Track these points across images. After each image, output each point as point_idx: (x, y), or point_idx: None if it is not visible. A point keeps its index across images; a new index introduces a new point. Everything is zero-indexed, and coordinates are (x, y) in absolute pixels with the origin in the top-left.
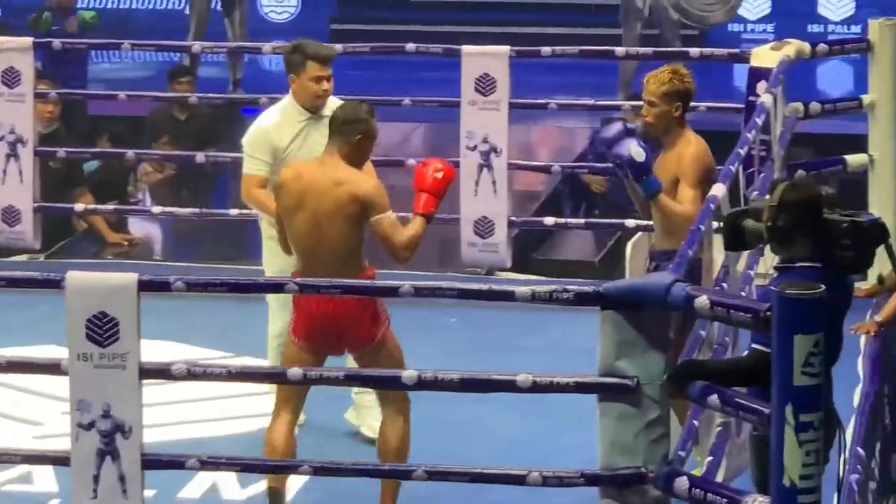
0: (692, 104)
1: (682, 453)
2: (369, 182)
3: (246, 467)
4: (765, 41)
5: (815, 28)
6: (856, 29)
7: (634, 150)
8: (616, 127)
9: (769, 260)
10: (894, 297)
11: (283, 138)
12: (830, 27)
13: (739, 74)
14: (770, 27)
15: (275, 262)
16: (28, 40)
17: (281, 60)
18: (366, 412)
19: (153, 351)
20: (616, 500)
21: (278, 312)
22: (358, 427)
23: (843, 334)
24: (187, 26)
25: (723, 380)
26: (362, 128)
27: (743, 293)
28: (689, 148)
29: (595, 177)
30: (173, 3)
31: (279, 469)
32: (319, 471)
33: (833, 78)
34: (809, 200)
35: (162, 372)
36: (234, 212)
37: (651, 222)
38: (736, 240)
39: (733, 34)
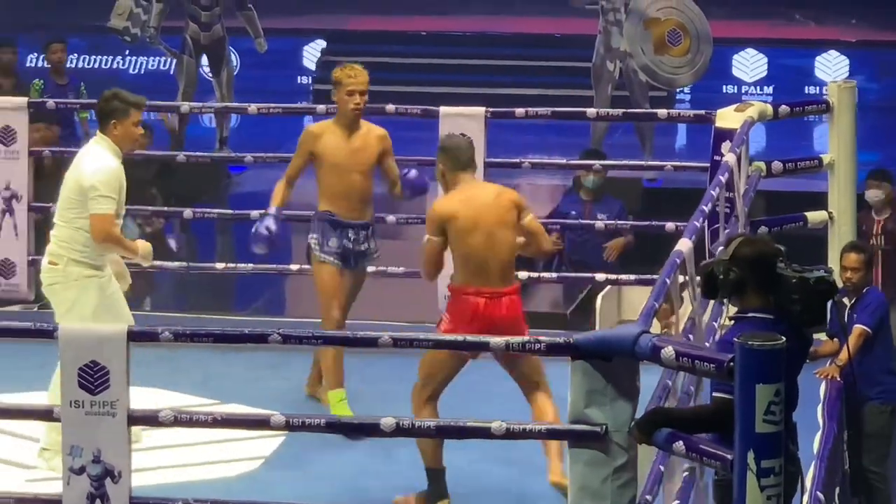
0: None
1: (648, 497)
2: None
3: None
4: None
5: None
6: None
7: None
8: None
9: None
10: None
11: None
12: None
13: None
14: (769, 89)
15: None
16: (23, 100)
17: (264, 120)
18: None
19: (142, 398)
20: None
21: None
22: None
23: (798, 383)
24: (175, 86)
25: (687, 427)
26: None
27: (707, 344)
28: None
29: (554, 236)
30: (158, 65)
31: None
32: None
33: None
34: (761, 255)
35: (150, 418)
36: (219, 265)
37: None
38: (710, 288)
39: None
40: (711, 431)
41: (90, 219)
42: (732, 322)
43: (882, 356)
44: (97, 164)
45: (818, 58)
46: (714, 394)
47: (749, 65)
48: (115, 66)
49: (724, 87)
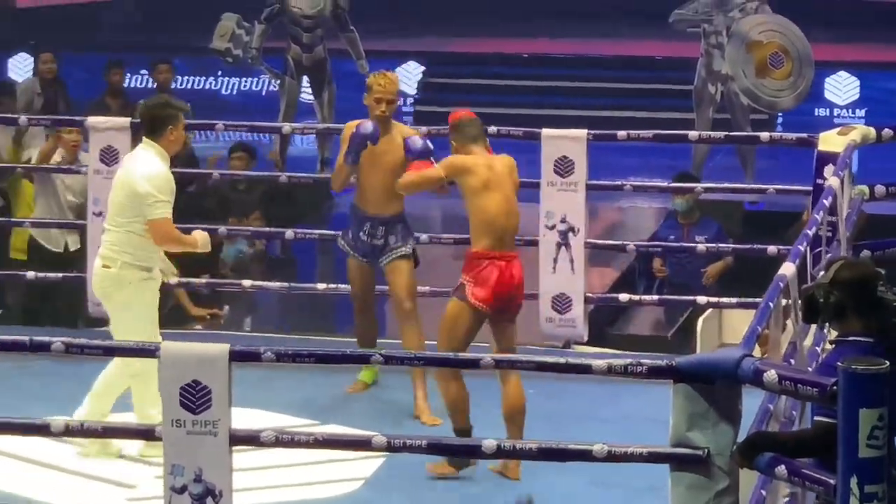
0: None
1: None
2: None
3: None
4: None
5: None
6: None
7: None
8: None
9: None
10: None
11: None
12: None
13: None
14: (861, 112)
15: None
16: (126, 120)
17: None
18: None
19: (243, 418)
20: None
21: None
22: None
23: None
24: (277, 107)
25: (790, 451)
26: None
27: (810, 368)
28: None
29: (658, 262)
30: (253, 85)
31: None
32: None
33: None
34: (862, 279)
35: (252, 438)
36: (321, 286)
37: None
38: (811, 312)
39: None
40: (814, 456)
41: (150, 224)
42: (833, 346)
43: None
44: (149, 169)
45: None
46: (816, 418)
47: (842, 88)
48: (215, 86)
49: (816, 110)
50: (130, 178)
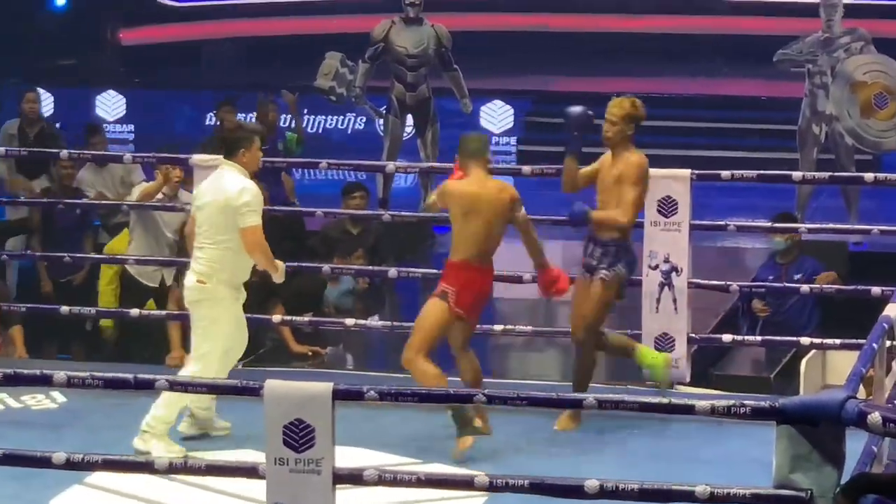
0: None
1: None
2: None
3: None
4: None
5: None
6: None
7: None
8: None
9: None
10: None
11: None
12: None
13: None
14: None
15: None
16: None
17: None
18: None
19: (346, 457)
20: None
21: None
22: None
23: None
24: (381, 146)
25: (894, 493)
26: (488, 149)
27: None
28: (633, 157)
29: (759, 303)
30: (360, 124)
31: None
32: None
33: None
34: None
35: (355, 477)
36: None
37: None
38: None
39: None
40: None
41: (243, 232)
42: None
43: None
44: (241, 184)
45: None
46: None
47: None
48: (325, 125)
49: None
50: (225, 193)
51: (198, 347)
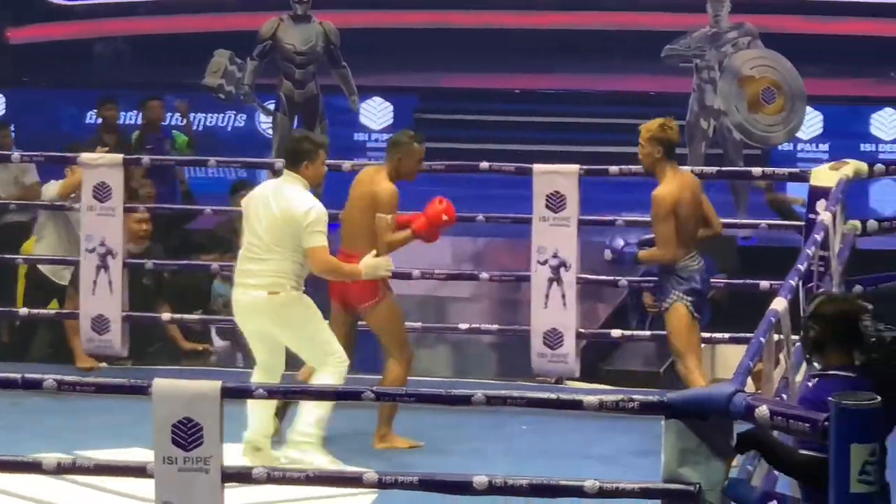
0: None
1: None
2: (388, 186)
3: None
4: (818, 160)
5: (867, 147)
6: None
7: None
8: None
9: None
10: None
11: None
12: (881, 146)
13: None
14: (825, 146)
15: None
16: (119, 157)
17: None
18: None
19: (235, 455)
20: None
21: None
22: None
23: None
24: (262, 143)
25: (777, 462)
26: (403, 150)
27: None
28: (657, 190)
29: (649, 298)
30: (241, 121)
31: None
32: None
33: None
34: (842, 313)
35: (244, 475)
36: None
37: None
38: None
39: (788, 153)
40: (798, 480)
41: (311, 252)
42: (815, 379)
43: None
44: (308, 201)
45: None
46: (801, 451)
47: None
48: (207, 122)
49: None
50: (288, 208)
51: (316, 351)
